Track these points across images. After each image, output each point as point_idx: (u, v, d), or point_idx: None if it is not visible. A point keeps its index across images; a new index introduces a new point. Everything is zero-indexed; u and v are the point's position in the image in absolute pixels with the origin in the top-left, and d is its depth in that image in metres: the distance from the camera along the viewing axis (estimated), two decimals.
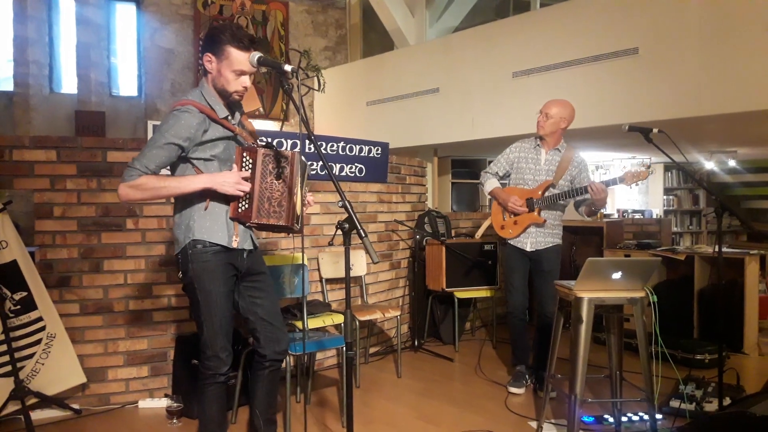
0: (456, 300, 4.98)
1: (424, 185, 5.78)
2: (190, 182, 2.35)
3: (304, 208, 2.58)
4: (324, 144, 4.42)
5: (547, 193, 3.77)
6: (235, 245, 2.44)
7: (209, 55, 2.39)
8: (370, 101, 7.52)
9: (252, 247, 2.56)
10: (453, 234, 5.52)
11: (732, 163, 9.09)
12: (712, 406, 3.26)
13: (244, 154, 2.40)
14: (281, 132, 6.71)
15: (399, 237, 5.16)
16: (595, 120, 5.12)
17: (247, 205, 2.40)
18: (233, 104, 2.52)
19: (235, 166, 2.40)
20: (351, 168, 4.61)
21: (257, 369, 2.67)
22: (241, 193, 2.37)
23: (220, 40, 2.35)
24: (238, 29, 2.38)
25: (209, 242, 2.40)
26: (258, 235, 3.97)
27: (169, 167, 2.43)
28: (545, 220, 3.79)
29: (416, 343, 5.00)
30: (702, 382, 3.56)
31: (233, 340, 3.10)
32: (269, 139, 2.50)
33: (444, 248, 4.97)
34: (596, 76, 5.08)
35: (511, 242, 3.87)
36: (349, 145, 4.58)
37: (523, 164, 3.89)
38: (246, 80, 2.41)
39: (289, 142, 4.13)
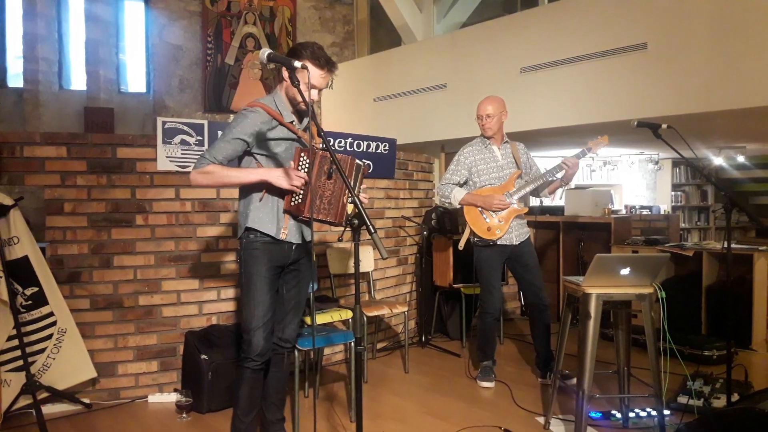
0: (463, 296, 4.98)
1: (432, 181, 5.78)
2: (249, 173, 2.60)
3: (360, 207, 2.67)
4: (332, 140, 4.43)
5: (518, 183, 3.87)
6: (282, 237, 2.63)
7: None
8: (378, 97, 7.51)
9: (299, 241, 2.70)
10: (460, 230, 5.52)
11: (740, 158, 9.04)
12: (720, 403, 3.26)
13: (302, 155, 2.58)
14: None
15: (406, 233, 5.17)
16: (603, 116, 5.11)
17: (300, 200, 2.57)
18: (302, 112, 2.71)
19: (292, 163, 2.57)
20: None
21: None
22: (293, 188, 2.53)
23: (300, 55, 2.56)
24: (318, 49, 2.61)
25: (260, 232, 2.61)
26: None
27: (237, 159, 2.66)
28: (528, 209, 3.94)
29: (423, 338, 5.01)
30: (710, 378, 3.56)
31: None
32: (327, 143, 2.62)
33: (451, 244, 4.98)
34: (605, 71, 5.06)
35: (499, 241, 3.87)
36: (356, 141, 4.59)
37: (482, 165, 3.95)
38: (315, 94, 2.62)
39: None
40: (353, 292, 4.19)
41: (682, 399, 3.36)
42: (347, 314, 3.79)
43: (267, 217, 2.62)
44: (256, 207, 2.62)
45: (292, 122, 2.66)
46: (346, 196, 2.59)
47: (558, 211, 6.30)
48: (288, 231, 2.64)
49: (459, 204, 3.95)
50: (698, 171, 3.67)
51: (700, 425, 2.76)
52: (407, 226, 5.15)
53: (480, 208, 3.88)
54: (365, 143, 4.64)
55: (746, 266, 4.79)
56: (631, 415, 3.22)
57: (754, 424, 2.37)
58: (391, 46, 8.11)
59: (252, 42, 8.08)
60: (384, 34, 8.75)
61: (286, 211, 2.62)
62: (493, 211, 3.85)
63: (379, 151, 4.75)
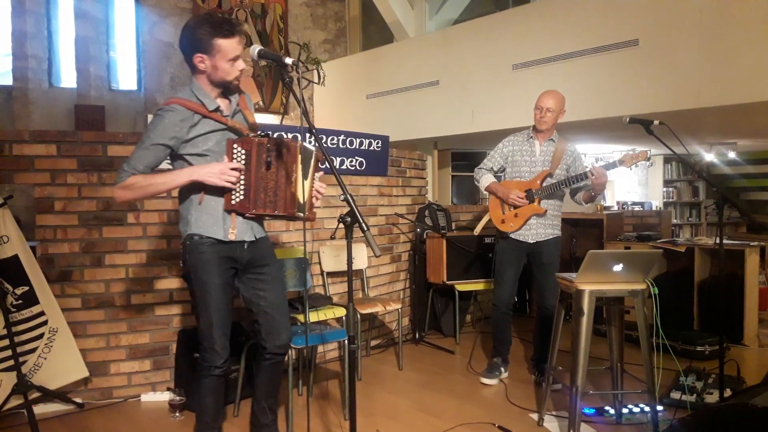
0: (457, 293, 4.99)
1: (425, 178, 5.78)
2: (175, 177, 2.38)
3: (315, 198, 2.57)
4: (324, 137, 4.41)
5: (545, 183, 3.78)
6: (231, 238, 2.44)
7: (200, 55, 2.37)
8: (370, 94, 7.50)
9: (253, 239, 2.54)
10: (453, 227, 5.52)
11: (732, 154, 9.08)
12: (712, 398, 3.27)
13: (235, 146, 2.38)
14: (281, 125, 6.70)
15: (399, 230, 5.16)
16: (595, 112, 5.11)
17: (242, 197, 2.39)
18: (229, 91, 2.51)
19: (225, 157, 2.39)
20: (351, 161, 4.60)
21: (259, 360, 2.70)
22: (228, 184, 2.36)
23: (204, 37, 2.34)
24: (215, 19, 2.37)
25: (205, 236, 2.42)
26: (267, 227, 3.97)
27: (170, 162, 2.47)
28: (546, 210, 3.79)
29: (417, 335, 5.01)
30: (702, 374, 3.57)
31: (236, 332, 3.12)
32: (268, 132, 2.48)
33: (444, 241, 4.98)
34: (596, 68, 5.06)
35: (512, 236, 3.84)
36: (349, 139, 4.57)
37: (518, 157, 3.89)
38: (241, 64, 2.43)
39: (290, 135, 4.12)
40: (346, 289, 4.18)
41: (675, 395, 3.38)
42: (341, 312, 3.78)
43: (211, 220, 2.42)
44: (197, 210, 2.42)
45: (217, 109, 2.42)
46: (293, 185, 2.40)
47: None
48: (237, 230, 2.45)
49: (485, 190, 3.96)
50: (690, 167, 3.68)
51: (693, 421, 2.77)
52: (400, 223, 5.14)
53: (501, 199, 3.87)
54: (357, 140, 4.63)
55: (738, 262, 4.81)
56: (625, 411, 3.23)
57: (747, 419, 2.38)
58: (383, 43, 8.09)
59: (243, 39, 8.04)
60: (376, 31, 8.74)
61: (229, 211, 2.42)
62: (510, 205, 3.84)
63: (371, 148, 4.74)
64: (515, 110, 5.67)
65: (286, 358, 3.21)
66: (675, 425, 2.70)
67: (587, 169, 3.62)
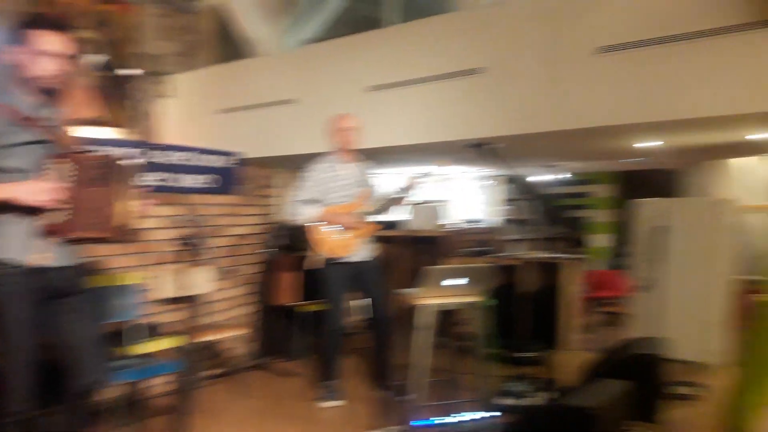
0: (305, 315, 4.93)
1: (277, 197, 5.72)
2: None
3: (140, 218, 2.37)
4: (173, 153, 4.23)
5: (369, 202, 3.93)
6: (41, 263, 2.18)
7: (6, 47, 2.21)
8: (223, 109, 7.33)
9: (64, 265, 2.27)
10: (304, 248, 5.51)
11: (561, 175, 9.99)
12: (538, 401, 3.55)
13: (58, 161, 2.17)
14: (124, 140, 6.34)
15: (247, 251, 5.03)
16: (441, 136, 5.39)
17: (63, 217, 2.15)
18: (48, 101, 2.28)
19: (47, 174, 2.15)
20: (200, 179, 4.46)
21: (61, 402, 2.37)
22: (52, 204, 2.12)
23: (18, 29, 2.19)
24: (37, 14, 2.26)
25: (9, 263, 2.13)
26: (92, 252, 3.67)
27: None
28: (380, 227, 3.96)
29: (261, 361, 4.87)
30: (529, 379, 3.85)
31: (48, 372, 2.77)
32: (90, 148, 2.31)
33: (295, 262, 4.94)
34: (445, 93, 5.33)
35: (346, 259, 3.85)
36: (198, 155, 4.43)
37: (332, 183, 3.92)
38: (48, 63, 2.19)
39: (133, 150, 3.90)
40: (185, 316, 3.93)
41: (503, 400, 3.60)
42: (177, 341, 3.53)
43: (16, 242, 2.13)
44: None
45: (34, 117, 2.18)
46: (116, 205, 2.20)
47: (394, 226, 6.48)
48: (46, 255, 2.18)
49: (308, 221, 3.86)
50: (524, 186, 4.03)
51: (520, 424, 3.01)
52: (248, 244, 5.02)
53: (330, 226, 3.83)
54: (207, 157, 4.50)
55: (559, 274, 5.30)
56: (458, 419, 3.35)
57: (565, 417, 2.64)
58: (238, 58, 7.97)
59: (55, 36, 7.51)
60: (230, 46, 8.58)
61: (47, 233, 2.16)
62: (345, 229, 3.84)
63: (222, 165, 4.62)
64: (369, 131, 5.78)
65: (108, 395, 2.92)
66: (503, 429, 2.91)
67: (403, 185, 3.93)
